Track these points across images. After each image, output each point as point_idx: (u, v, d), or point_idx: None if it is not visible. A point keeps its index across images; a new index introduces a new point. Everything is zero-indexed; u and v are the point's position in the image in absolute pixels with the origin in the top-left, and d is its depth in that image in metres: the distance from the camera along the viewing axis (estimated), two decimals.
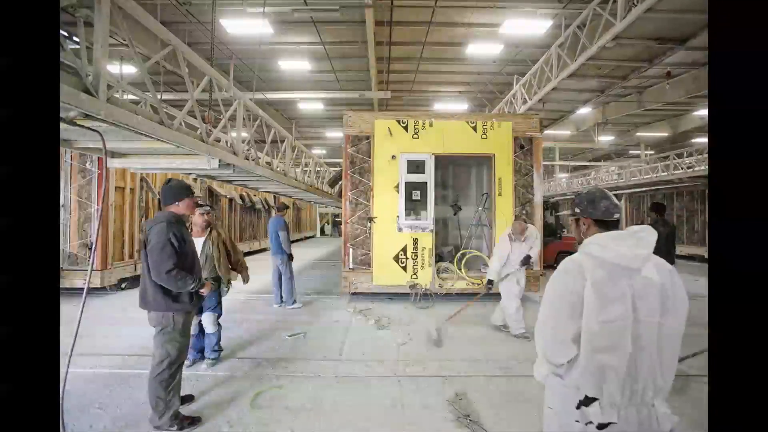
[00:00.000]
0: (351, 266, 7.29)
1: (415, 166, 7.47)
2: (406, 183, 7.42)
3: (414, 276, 7.28)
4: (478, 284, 7.01)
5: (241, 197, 13.22)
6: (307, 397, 3.40)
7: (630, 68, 9.55)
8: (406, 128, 7.50)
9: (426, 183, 7.47)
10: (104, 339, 4.86)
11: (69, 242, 7.14)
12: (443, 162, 8.16)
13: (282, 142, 9.20)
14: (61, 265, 6.98)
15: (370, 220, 7.31)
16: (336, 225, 30.68)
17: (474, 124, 7.55)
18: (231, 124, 6.73)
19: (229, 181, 10.52)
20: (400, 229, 7.34)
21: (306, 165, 12.43)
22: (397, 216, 7.35)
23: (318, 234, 29.33)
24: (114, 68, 14.11)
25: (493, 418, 3.06)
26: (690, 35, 8.36)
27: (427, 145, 7.47)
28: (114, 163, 5.17)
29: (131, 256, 8.06)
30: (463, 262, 7.57)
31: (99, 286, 7.03)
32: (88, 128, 3.18)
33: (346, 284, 7.27)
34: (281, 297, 6.75)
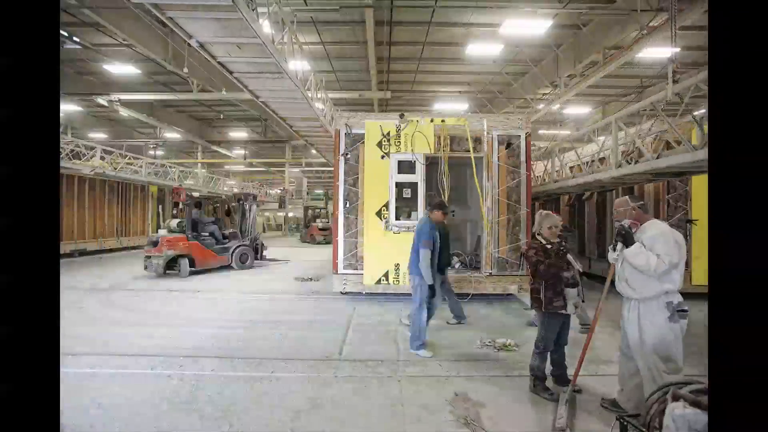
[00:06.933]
0: None
1: None
2: None
3: None
4: None
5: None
6: (307, 397, 3.40)
7: None
8: None
9: None
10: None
11: (499, 246, 7.00)
12: None
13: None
14: (491, 271, 6.93)
15: (690, 222, 7.05)
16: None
17: None
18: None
19: None
20: None
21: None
22: None
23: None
24: (114, 68, 14.13)
25: (494, 418, 3.06)
26: None
27: None
28: None
29: None
30: None
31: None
32: None
33: None
34: None
